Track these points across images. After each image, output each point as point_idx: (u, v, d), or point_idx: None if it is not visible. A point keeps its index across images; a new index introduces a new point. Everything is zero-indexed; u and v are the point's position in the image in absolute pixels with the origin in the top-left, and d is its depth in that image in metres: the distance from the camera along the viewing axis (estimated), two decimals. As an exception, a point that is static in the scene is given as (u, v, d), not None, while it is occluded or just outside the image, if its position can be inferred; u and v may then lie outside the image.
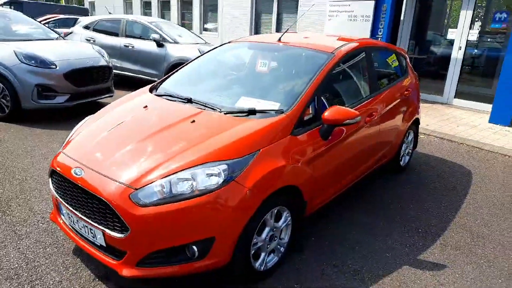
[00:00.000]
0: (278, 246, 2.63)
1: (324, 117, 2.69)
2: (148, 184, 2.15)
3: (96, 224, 2.22)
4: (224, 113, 2.68)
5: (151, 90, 3.28)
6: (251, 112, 2.65)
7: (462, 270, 2.80)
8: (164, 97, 3.06)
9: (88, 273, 2.53)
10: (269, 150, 2.41)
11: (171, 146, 2.36)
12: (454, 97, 7.89)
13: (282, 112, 2.65)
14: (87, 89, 5.93)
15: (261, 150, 2.37)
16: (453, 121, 6.76)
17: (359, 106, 3.28)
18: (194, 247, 2.16)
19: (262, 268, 2.49)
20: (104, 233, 2.19)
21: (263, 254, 2.49)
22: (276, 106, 2.73)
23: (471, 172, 4.66)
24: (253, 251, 2.39)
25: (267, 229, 2.46)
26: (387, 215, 3.49)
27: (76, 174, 2.32)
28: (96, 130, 2.69)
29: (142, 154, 2.33)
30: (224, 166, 2.21)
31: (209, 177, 2.18)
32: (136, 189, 2.12)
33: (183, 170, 2.19)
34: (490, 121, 6.66)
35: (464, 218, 3.56)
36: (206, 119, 2.64)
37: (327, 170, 2.89)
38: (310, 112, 2.78)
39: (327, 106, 2.82)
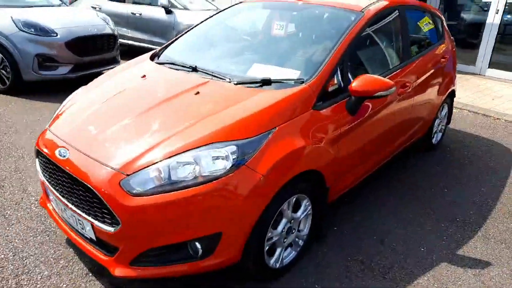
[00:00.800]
0: (297, 239, 2.27)
1: (352, 88, 2.26)
2: (142, 169, 1.79)
3: (84, 215, 1.90)
4: (234, 84, 2.27)
5: (152, 58, 2.88)
6: (266, 82, 2.24)
7: (510, 269, 2.40)
8: (166, 65, 2.66)
9: (81, 266, 2.23)
10: (287, 128, 2.02)
11: (170, 123, 1.99)
12: (488, 67, 7.24)
13: (303, 82, 2.22)
14: (91, 59, 5.55)
15: (277, 128, 1.97)
16: (487, 94, 6.17)
17: (391, 75, 2.82)
18: (198, 244, 1.82)
19: (277, 265, 2.14)
20: (93, 226, 1.87)
21: (279, 250, 2.14)
22: (295, 74, 2.31)
23: (511, 151, 4.17)
24: (267, 247, 2.04)
25: (283, 221, 2.09)
26: (418, 201, 3.09)
27: (61, 155, 1.98)
28: (86, 104, 2.33)
29: (135, 133, 1.97)
30: (233, 148, 1.83)
31: (214, 161, 1.81)
32: (128, 175, 1.77)
33: (184, 152, 1.82)
34: (528, 94, 6.04)
35: (507, 205, 3.12)
36: (212, 90, 2.24)
37: (354, 151, 2.48)
38: (335, 82, 2.35)
39: (354, 75, 2.38)
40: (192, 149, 1.82)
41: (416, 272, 2.32)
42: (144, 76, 2.49)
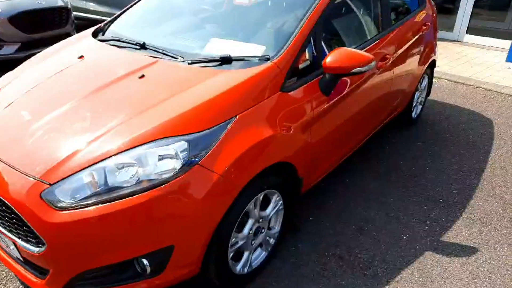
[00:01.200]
0: (267, 238, 2.02)
1: (326, 64, 1.96)
2: (70, 175, 1.46)
3: (5, 231, 1.57)
4: (188, 63, 1.93)
5: (95, 34, 2.47)
6: (225, 60, 1.91)
7: (498, 254, 2.24)
8: (110, 42, 2.28)
9: (16, 285, 1.92)
10: (250, 116, 1.72)
11: (105, 116, 1.65)
12: (466, 33, 7.03)
13: (268, 59, 1.91)
14: (42, 36, 5.00)
15: (238, 116, 1.67)
16: (465, 61, 5.98)
17: (369, 47, 2.53)
18: (145, 261, 1.53)
19: (246, 270, 1.90)
20: (15, 244, 1.55)
21: (246, 254, 1.89)
22: (259, 50, 1.98)
23: (492, 122, 4.01)
24: (231, 254, 1.78)
25: (250, 222, 1.83)
26: (399, 181, 2.88)
27: (-25, 159, 1.62)
28: (7, 95, 1.95)
29: (63, 130, 1.63)
30: (183, 144, 1.52)
31: (161, 161, 1.50)
32: (51, 184, 1.44)
33: (123, 151, 1.50)
34: (507, 60, 5.88)
35: (491, 181, 2.96)
36: (160, 72, 1.90)
37: (329, 134, 2.22)
38: (307, 57, 2.04)
39: (328, 49, 2.08)
40: (133, 147, 1.50)
41: (399, 265, 2.12)
42: (81, 57, 2.11)
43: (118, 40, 2.25)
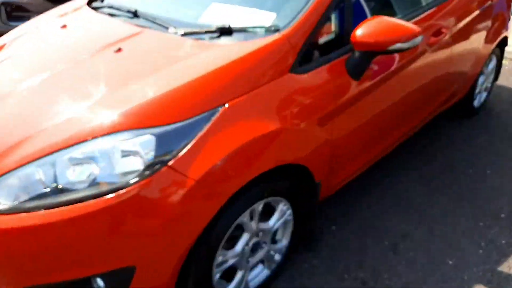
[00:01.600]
0: (272, 253, 1.64)
1: (356, 37, 1.50)
2: (13, 169, 1.17)
3: None
4: (181, 35, 1.56)
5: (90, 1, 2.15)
6: (224, 31, 1.51)
7: None
8: (104, 10, 1.95)
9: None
10: (246, 104, 1.32)
11: (65, 98, 1.34)
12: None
13: (277, 30, 1.48)
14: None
15: (227, 104, 1.27)
16: (546, 40, 5.04)
17: (419, 18, 2.00)
18: (99, 282, 1.22)
19: (239, 293, 1.54)
20: None
21: (240, 273, 1.52)
22: (268, 19, 1.55)
23: None
24: (218, 274, 1.43)
25: (245, 237, 1.46)
26: (451, 188, 2.34)
27: None
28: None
29: (18, 109, 1.34)
30: (149, 140, 1.17)
31: (124, 159, 1.17)
32: (-20, 184, 1.16)
33: (76, 144, 1.18)
34: None
35: None
36: (141, 46, 1.54)
37: (358, 129, 1.76)
38: (331, 29, 1.59)
39: (359, 19, 1.60)
40: (88, 140, 1.18)
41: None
42: (64, 26, 1.80)
43: (112, 8, 1.92)
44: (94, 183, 1.15)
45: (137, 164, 1.15)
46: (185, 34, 1.55)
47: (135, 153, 1.16)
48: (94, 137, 1.18)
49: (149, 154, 1.16)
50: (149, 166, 1.15)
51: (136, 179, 1.14)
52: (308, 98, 1.49)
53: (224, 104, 1.27)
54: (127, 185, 1.14)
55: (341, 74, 1.58)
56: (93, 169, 1.16)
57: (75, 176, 1.16)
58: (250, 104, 1.33)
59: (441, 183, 2.37)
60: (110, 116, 1.21)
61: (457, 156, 2.64)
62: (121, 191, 1.12)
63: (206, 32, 1.53)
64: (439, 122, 2.93)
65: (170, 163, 1.16)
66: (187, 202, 1.18)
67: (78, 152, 1.17)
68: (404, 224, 2.05)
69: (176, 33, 1.57)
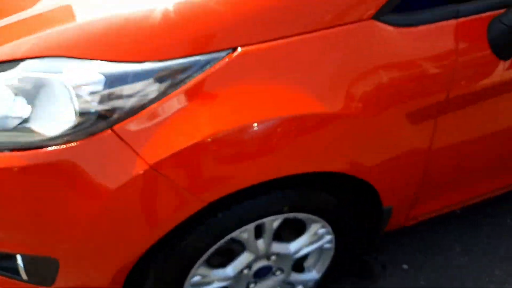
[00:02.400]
0: (291, 285, 1.14)
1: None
2: None
3: None
4: None
5: None
6: None
7: None
8: None
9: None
10: (278, 56, 0.77)
11: None
12: None
13: None
14: None
15: (240, 49, 0.74)
16: None
17: None
18: (20, 261, 0.88)
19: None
20: None
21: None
22: None
23: None
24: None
25: (245, 257, 0.98)
26: None
27: None
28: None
29: None
30: (97, 79, 0.72)
31: (51, 103, 0.75)
32: None
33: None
34: None
35: None
36: None
37: (478, 143, 1.06)
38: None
39: None
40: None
41: None
42: None
43: None
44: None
45: (68, 115, 0.72)
46: None
47: (68, 98, 0.73)
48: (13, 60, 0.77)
49: (88, 104, 0.72)
50: (84, 123, 0.71)
51: (62, 137, 0.72)
52: (401, 71, 0.86)
53: (234, 48, 0.74)
54: (48, 143, 0.72)
55: (477, 43, 0.89)
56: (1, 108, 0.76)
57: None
58: (287, 59, 0.77)
59: None
60: (42, 33, 0.77)
61: None
62: (37, 150, 0.72)
63: None
64: None
65: (116, 126, 0.71)
66: (138, 186, 0.74)
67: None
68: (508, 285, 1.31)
69: None
